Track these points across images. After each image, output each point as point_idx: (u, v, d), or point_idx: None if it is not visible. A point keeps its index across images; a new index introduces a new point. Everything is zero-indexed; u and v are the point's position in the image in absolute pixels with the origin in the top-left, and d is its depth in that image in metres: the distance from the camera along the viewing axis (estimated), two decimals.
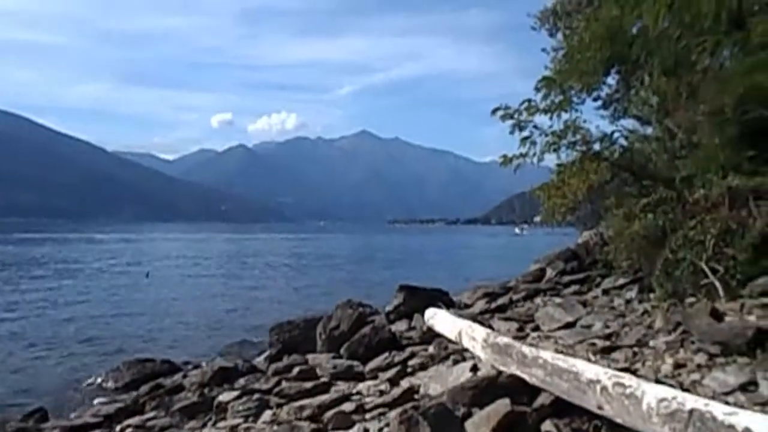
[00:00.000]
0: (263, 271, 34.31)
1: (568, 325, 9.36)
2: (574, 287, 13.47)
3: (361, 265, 41.84)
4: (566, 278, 14.32)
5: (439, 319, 8.70)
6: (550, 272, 15.60)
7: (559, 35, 15.51)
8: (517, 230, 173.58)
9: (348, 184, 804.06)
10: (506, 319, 10.53)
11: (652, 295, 8.98)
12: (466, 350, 7.92)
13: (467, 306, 13.25)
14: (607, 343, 6.98)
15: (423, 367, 8.02)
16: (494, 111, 12.70)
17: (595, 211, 16.36)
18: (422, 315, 10.71)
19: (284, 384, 8.06)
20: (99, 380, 9.82)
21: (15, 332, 14.63)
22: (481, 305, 12.81)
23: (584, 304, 11.32)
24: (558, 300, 11.73)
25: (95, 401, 9.30)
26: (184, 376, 9.29)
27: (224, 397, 7.89)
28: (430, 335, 9.84)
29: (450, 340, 8.17)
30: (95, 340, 13.61)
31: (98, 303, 20.10)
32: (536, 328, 9.75)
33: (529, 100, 12.90)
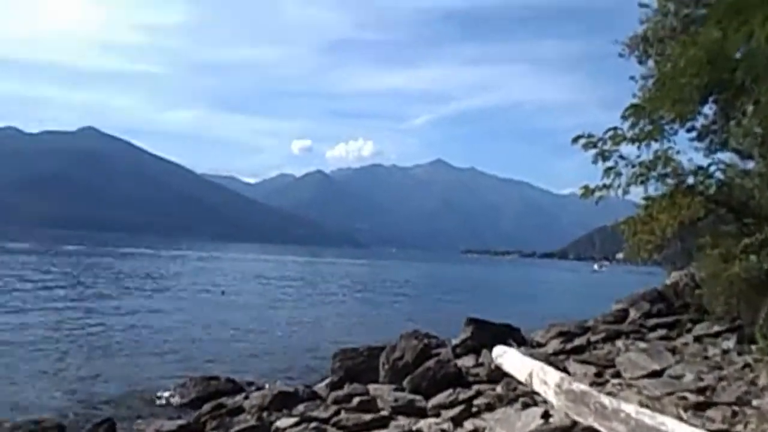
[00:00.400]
0: (332, 296, 34.42)
1: (654, 374, 8.57)
2: (661, 331, 12.54)
3: (431, 294, 41.21)
4: (652, 321, 13.37)
5: (508, 357, 8.13)
6: (633, 313, 14.61)
7: (650, 62, 14.66)
8: (595, 266, 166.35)
9: (421, 213, 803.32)
10: (583, 362, 9.76)
11: (754, 347, 8.04)
12: (537, 393, 7.33)
13: (540, 345, 12.50)
14: (701, 398, 6.22)
15: (489, 408, 7.48)
16: (576, 139, 12.04)
17: (685, 249, 15.43)
18: (490, 351, 10.13)
19: (343, 414, 7.75)
20: (167, 394, 9.99)
21: (92, 340, 15.18)
22: (555, 345, 12.04)
23: (673, 351, 10.43)
24: (642, 345, 10.83)
25: (160, 416, 9.35)
26: (246, 398, 9.19)
27: (282, 423, 7.66)
28: (499, 374, 9.25)
29: (519, 382, 7.60)
30: (167, 353, 13.88)
31: (174, 316, 20.69)
32: (617, 375, 8.99)
33: (615, 128, 12.16)
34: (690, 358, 9.77)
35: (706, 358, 9.33)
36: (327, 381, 9.71)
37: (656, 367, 8.79)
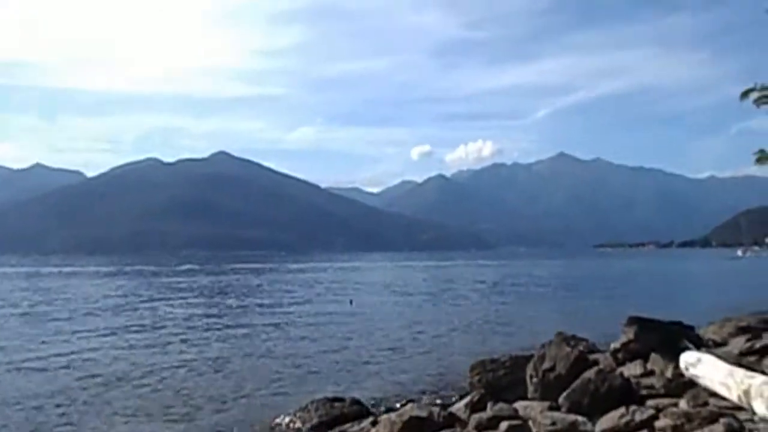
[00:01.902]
0: (462, 299, 33.08)
1: None
2: None
3: (568, 292, 38.51)
4: None
5: (706, 368, 6.46)
6: None
7: None
8: (739, 252, 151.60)
9: (548, 209, 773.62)
10: None
11: None
12: (740, 409, 5.71)
13: (718, 344, 10.46)
14: None
15: (677, 431, 5.96)
16: (746, 93, 10.02)
17: None
18: (660, 355, 8.43)
19: None
20: (287, 420, 9.20)
21: (216, 357, 15.11)
22: (739, 344, 9.97)
23: None
24: None
25: None
26: (374, 423, 8.20)
27: None
28: (679, 383, 7.59)
29: (721, 397, 5.97)
30: (289, 371, 13.27)
31: (301, 329, 20.57)
32: None
33: None
34: None
35: None
36: (466, 400, 8.49)
37: None
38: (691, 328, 9.79)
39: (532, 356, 8.92)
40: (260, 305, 30.09)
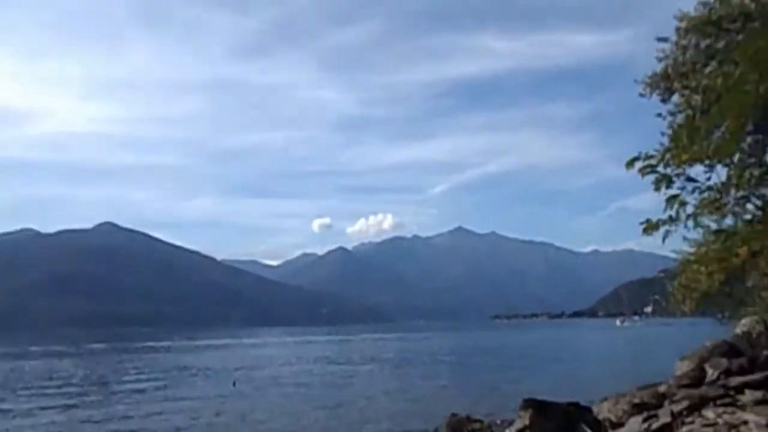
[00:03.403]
0: (355, 376, 31.34)
1: None
2: (755, 393, 10.05)
3: (466, 367, 37.83)
4: (736, 380, 10.94)
5: None
6: (711, 372, 12.15)
7: (674, 98, 13.07)
8: (618, 322, 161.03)
9: (447, 281, 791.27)
10: None
11: None
12: None
13: (615, 425, 9.80)
14: None
15: None
16: (631, 162, 9.90)
17: (734, 297, 13.61)
18: None
19: None
20: None
21: None
22: (636, 424, 9.31)
23: None
24: (759, 419, 8.09)
25: None
26: None
27: None
28: None
29: None
30: None
31: (172, 415, 18.06)
32: None
33: (675, 145, 9.98)
34: None
35: None
36: None
37: None
38: (589, 409, 9.02)
39: None
40: (129, 389, 26.72)
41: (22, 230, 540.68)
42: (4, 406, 22.35)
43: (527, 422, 7.85)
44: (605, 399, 12.24)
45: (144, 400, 23.36)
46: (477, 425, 12.84)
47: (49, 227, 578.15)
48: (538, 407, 7.90)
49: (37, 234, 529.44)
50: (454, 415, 13.26)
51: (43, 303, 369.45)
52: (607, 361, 40.77)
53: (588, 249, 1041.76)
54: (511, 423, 8.91)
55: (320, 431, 14.66)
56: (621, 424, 9.81)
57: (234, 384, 27.63)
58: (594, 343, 71.34)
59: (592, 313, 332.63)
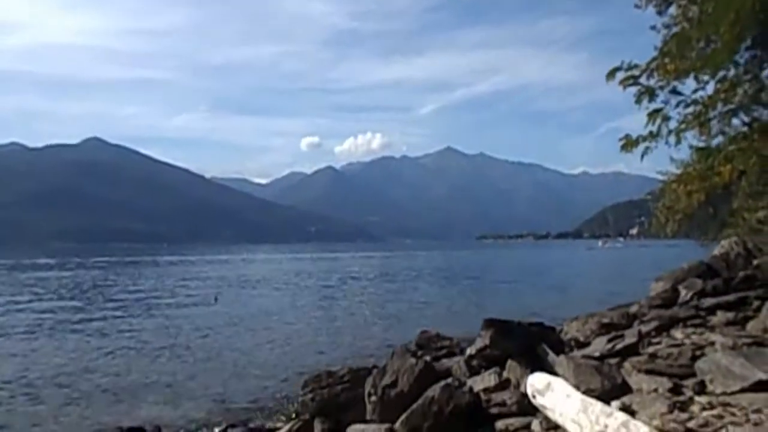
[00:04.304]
0: (336, 293, 31.72)
1: (761, 386, 5.84)
2: (726, 315, 10.01)
3: (444, 285, 38.33)
4: (709, 301, 10.88)
5: (556, 397, 5.23)
6: (684, 293, 12.06)
7: (671, 10, 12.16)
8: (599, 243, 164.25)
9: (434, 202, 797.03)
10: (649, 372, 6.98)
11: None
12: None
13: (582, 344, 9.75)
14: None
15: None
16: (612, 72, 9.31)
17: (717, 218, 13.38)
18: (518, 362, 7.38)
19: None
20: None
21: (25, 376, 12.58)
22: (601, 344, 9.24)
23: (760, 343, 7.85)
24: (725, 341, 8.00)
25: None
26: None
27: None
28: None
29: None
30: (90, 391, 11.11)
31: (145, 333, 18.12)
32: (702, 389, 6.21)
33: (663, 51, 9.34)
34: None
35: None
36: (290, 425, 6.91)
37: (763, 376, 6.01)
38: (551, 329, 8.90)
39: (375, 368, 7.54)
40: (107, 305, 26.78)
41: (9, 144, 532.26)
42: None
43: (487, 341, 7.70)
44: (575, 318, 12.25)
45: (121, 313, 23.46)
46: (446, 342, 12.86)
47: (37, 142, 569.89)
48: (499, 327, 7.72)
49: (25, 148, 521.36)
50: (424, 331, 13.28)
51: (32, 217, 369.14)
52: (585, 281, 41.48)
53: (577, 170, 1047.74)
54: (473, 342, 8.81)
55: (292, 352, 14.66)
56: (587, 344, 9.77)
57: (215, 299, 27.82)
58: (574, 264, 72.65)
59: (577, 235, 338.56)
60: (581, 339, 10.34)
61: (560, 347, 8.32)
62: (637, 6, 13.24)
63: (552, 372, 7.14)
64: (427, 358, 7.76)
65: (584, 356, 8.18)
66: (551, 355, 7.51)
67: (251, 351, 14.47)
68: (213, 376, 11.86)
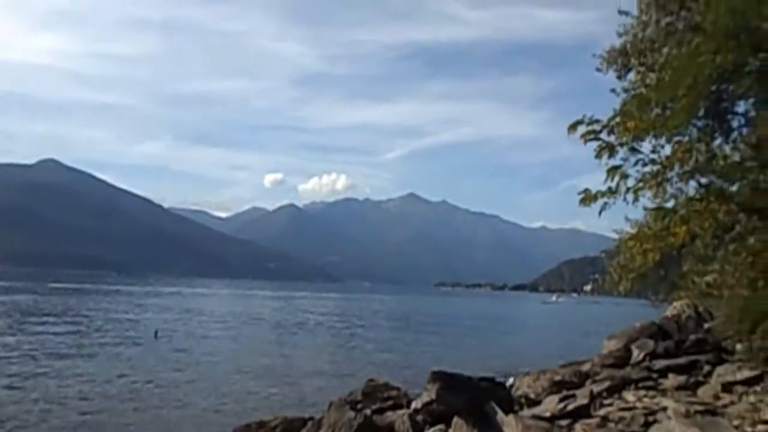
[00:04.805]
0: (286, 335, 30.71)
1: None
2: (677, 378, 9.86)
3: (399, 331, 37.74)
4: (661, 363, 10.81)
5: None
6: (636, 353, 12.00)
7: (630, 75, 12.57)
8: (553, 298, 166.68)
9: (395, 246, 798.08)
10: None
11: None
12: None
13: (532, 402, 9.35)
14: None
15: None
16: (574, 126, 9.20)
17: (668, 279, 13.32)
18: (465, 420, 6.93)
19: None
20: None
21: None
22: (552, 403, 8.87)
23: (712, 412, 7.67)
24: (677, 406, 7.74)
25: None
26: None
27: None
28: None
29: None
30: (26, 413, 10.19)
31: (73, 371, 16.88)
32: None
33: (622, 111, 9.35)
34: (747, 425, 6.95)
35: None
36: None
37: None
38: (502, 385, 8.50)
39: (309, 420, 6.95)
40: (53, 328, 25.24)
41: None
42: None
43: (433, 396, 7.25)
44: (527, 374, 11.89)
45: (56, 344, 22.14)
46: (394, 392, 12.27)
47: None
48: (446, 380, 7.29)
49: None
50: (371, 380, 12.66)
51: None
52: (539, 335, 41.45)
53: (536, 224, 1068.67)
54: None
55: (221, 395, 13.79)
56: (538, 402, 9.39)
57: (156, 334, 26.48)
58: (529, 317, 72.92)
59: (533, 288, 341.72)
60: (532, 396, 9.95)
61: (509, 405, 7.91)
62: (598, 70, 13.57)
63: None
64: (368, 411, 7.23)
65: (534, 416, 7.79)
66: (500, 414, 7.10)
67: (183, 395, 13.51)
68: (134, 424, 10.92)
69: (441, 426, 7.12)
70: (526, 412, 8.37)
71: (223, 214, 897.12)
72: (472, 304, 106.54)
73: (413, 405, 7.93)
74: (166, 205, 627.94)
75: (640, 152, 9.18)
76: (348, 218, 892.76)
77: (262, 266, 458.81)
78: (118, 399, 13.65)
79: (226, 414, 11.67)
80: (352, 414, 6.61)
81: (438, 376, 7.33)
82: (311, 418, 7.10)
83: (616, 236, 12.05)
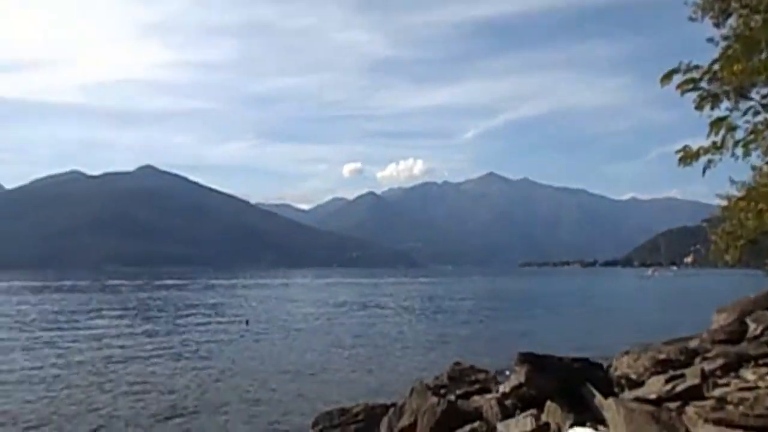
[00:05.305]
0: (370, 321, 30.67)
1: None
2: None
3: (485, 314, 36.89)
4: None
5: None
6: (753, 327, 10.76)
7: (731, 21, 11.13)
8: (648, 272, 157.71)
9: (476, 228, 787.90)
10: (718, 423, 5.87)
11: None
12: None
13: (634, 383, 8.57)
14: None
15: None
16: (669, 75, 8.25)
17: None
18: (559, 405, 6.37)
19: None
20: None
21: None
22: (657, 385, 8.08)
23: None
24: None
25: None
26: None
27: None
28: None
29: None
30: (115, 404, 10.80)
31: (172, 352, 17.74)
32: None
33: (727, 55, 8.28)
34: None
35: None
36: None
37: None
38: (599, 366, 7.81)
39: (393, 406, 6.64)
40: (147, 324, 26.70)
41: (70, 172, 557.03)
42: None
43: (523, 379, 6.73)
44: (626, 353, 11.01)
45: (161, 331, 24.13)
46: (481, 375, 11.79)
47: (95, 170, 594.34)
48: (535, 362, 6.75)
49: (84, 176, 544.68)
50: (456, 363, 12.26)
51: (89, 242, 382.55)
52: (637, 311, 39.39)
53: (626, 196, 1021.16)
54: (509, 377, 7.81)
55: (306, 381, 13.84)
56: (641, 383, 8.57)
57: (246, 323, 27.36)
58: (624, 293, 69.74)
59: (626, 262, 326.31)
60: (633, 377, 9.13)
61: (608, 388, 7.26)
62: (692, 19, 12.23)
63: (599, 418, 6.12)
64: (452, 397, 6.82)
65: (637, 399, 7.10)
66: (598, 398, 6.49)
67: (267, 380, 13.75)
68: (221, 405, 11.17)
69: (532, 411, 6.60)
70: (627, 394, 7.67)
71: (305, 207, 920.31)
72: (561, 283, 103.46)
73: (501, 389, 7.45)
74: (252, 201, 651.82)
75: (749, 99, 8.14)
76: (427, 202, 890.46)
77: (346, 255, 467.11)
78: (210, 380, 14.28)
79: (309, 400, 11.65)
80: (435, 400, 6.23)
81: (527, 358, 6.80)
82: (393, 405, 6.79)
83: (720, 201, 10.93)
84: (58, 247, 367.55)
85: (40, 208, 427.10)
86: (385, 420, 6.26)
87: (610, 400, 6.26)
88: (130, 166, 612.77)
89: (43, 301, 47.34)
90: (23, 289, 70.00)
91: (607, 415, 5.95)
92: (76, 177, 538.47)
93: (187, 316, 32.49)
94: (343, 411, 6.85)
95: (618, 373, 9.59)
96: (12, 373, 15.15)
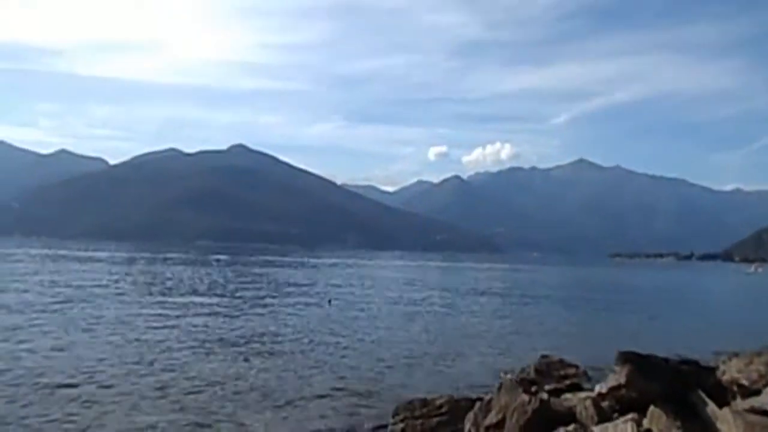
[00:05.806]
0: (454, 307, 30.20)
1: None
2: None
3: (572, 305, 35.43)
4: None
5: None
6: None
7: None
8: (751, 268, 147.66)
9: (564, 215, 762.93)
10: None
11: None
12: None
13: (747, 391, 7.72)
14: None
15: None
16: None
17: None
18: (664, 411, 5.76)
19: None
20: None
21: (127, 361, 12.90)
22: None
23: None
24: None
25: None
26: None
27: None
28: None
29: None
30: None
31: (258, 329, 18.22)
32: None
33: None
34: None
35: None
36: None
37: None
38: (711, 370, 7.07)
39: (479, 400, 6.28)
40: (234, 300, 27.78)
41: (168, 150, 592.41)
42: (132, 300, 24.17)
43: (623, 380, 6.16)
44: (735, 355, 10.00)
45: (246, 306, 24.91)
46: (571, 370, 11.13)
47: (191, 147, 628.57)
48: (638, 363, 6.15)
49: (180, 153, 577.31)
50: (544, 356, 11.67)
51: (183, 217, 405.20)
52: (743, 311, 36.62)
53: (729, 187, 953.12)
54: (605, 377, 7.22)
55: (387, 367, 13.63)
56: (756, 392, 7.70)
57: (330, 302, 27.76)
58: (726, 289, 65.19)
59: (726, 257, 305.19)
60: (745, 383, 8.24)
61: (721, 395, 6.55)
62: None
63: (710, 428, 5.49)
64: (544, 396, 6.37)
65: (753, 409, 6.36)
66: (711, 406, 5.84)
67: (347, 364, 13.62)
68: (300, 387, 11.19)
69: (633, 415, 6.04)
70: (741, 403, 6.91)
71: (390, 189, 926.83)
72: (654, 275, 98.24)
73: (597, 388, 6.90)
74: (338, 181, 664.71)
75: None
76: (514, 188, 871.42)
77: (430, 239, 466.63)
78: (290, 355, 14.51)
79: (390, 387, 11.44)
80: (526, 398, 5.81)
81: (628, 357, 6.23)
82: (479, 399, 6.43)
83: None
84: (156, 221, 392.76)
85: (140, 183, 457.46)
86: (470, 415, 5.92)
87: (726, 410, 5.60)
88: (223, 145, 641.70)
89: (148, 271, 50.62)
90: (132, 259, 75.44)
91: (722, 427, 5.32)
92: (173, 154, 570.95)
93: (274, 292, 33.53)
94: (425, 402, 6.57)
95: (725, 377, 8.71)
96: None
